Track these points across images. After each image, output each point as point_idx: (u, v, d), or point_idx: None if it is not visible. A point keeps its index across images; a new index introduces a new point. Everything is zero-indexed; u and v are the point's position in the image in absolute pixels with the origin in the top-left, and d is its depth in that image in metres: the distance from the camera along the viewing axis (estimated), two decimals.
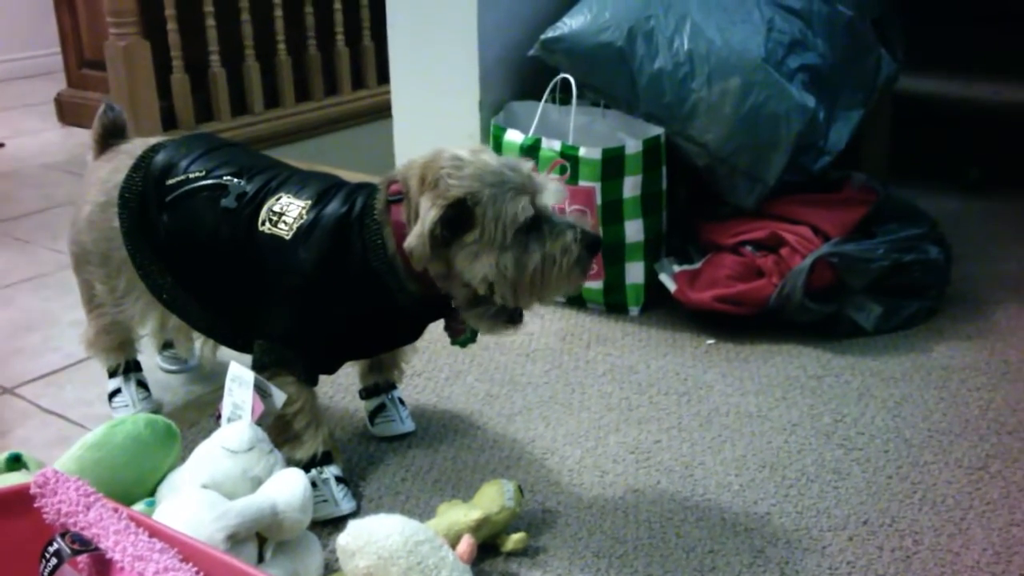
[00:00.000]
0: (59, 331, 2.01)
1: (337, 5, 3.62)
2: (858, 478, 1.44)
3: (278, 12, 3.40)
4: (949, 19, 2.91)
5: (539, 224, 1.27)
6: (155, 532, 0.88)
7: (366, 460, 1.51)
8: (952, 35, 2.94)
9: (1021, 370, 1.75)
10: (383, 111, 3.27)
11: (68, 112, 3.81)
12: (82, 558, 0.85)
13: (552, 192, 1.30)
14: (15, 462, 1.27)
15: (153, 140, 1.53)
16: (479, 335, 1.42)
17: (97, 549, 0.86)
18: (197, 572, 0.83)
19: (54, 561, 0.82)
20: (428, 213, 1.24)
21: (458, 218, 1.24)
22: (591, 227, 1.33)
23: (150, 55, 3.17)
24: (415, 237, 1.25)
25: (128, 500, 1.19)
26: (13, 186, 3.04)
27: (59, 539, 0.84)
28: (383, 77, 3.76)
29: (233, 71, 3.34)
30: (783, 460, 1.49)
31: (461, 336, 1.42)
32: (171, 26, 3.15)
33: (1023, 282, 2.13)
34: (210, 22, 3.23)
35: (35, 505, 0.93)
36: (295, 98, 3.54)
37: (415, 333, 1.46)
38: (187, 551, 0.87)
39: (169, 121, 3.24)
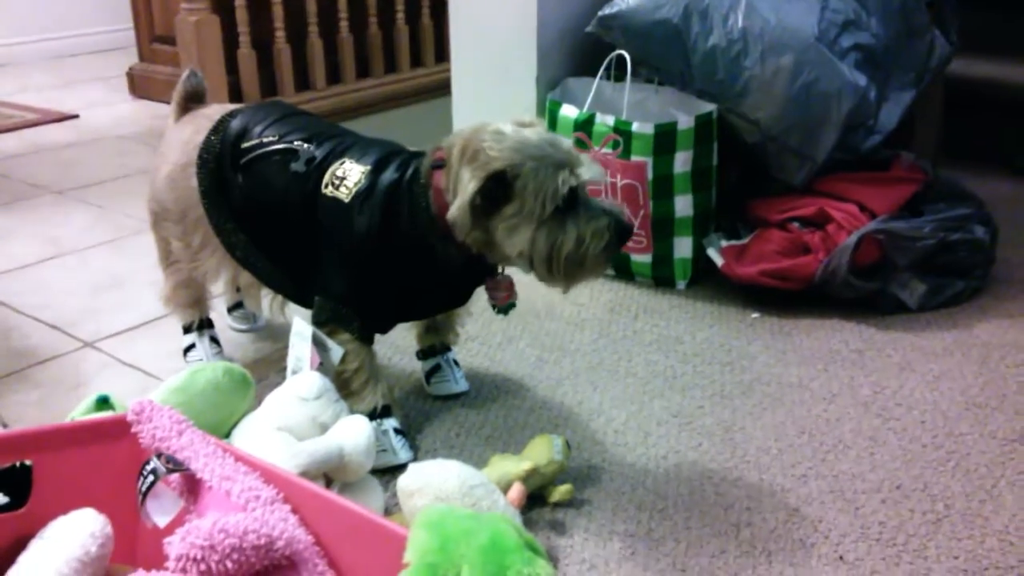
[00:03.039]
0: (134, 291, 2.10)
1: None
2: (894, 446, 1.49)
3: None
4: (1003, 2, 2.89)
5: (576, 204, 1.29)
6: (240, 458, 0.97)
7: (422, 416, 1.59)
8: (1006, 18, 2.92)
9: None
10: (440, 89, 3.34)
11: (139, 85, 3.95)
12: (174, 477, 0.94)
13: (590, 170, 1.30)
14: (103, 403, 1.36)
15: (231, 106, 1.61)
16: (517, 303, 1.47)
17: (188, 470, 0.95)
18: (278, 493, 0.92)
19: (151, 478, 0.91)
20: (468, 184, 1.26)
21: (497, 190, 1.27)
22: (624, 215, 1.33)
23: (219, 31, 3.27)
24: (456, 208, 1.28)
25: None
26: (88, 154, 3.17)
27: (155, 459, 0.93)
28: (440, 56, 3.84)
29: (297, 47, 3.43)
30: (821, 427, 1.54)
31: (505, 303, 1.46)
32: (239, 2, 3.25)
33: None
34: None
35: (132, 431, 1.02)
36: (356, 75, 3.62)
37: (463, 297, 1.51)
38: (268, 475, 0.95)
39: (236, 96, 3.34)
